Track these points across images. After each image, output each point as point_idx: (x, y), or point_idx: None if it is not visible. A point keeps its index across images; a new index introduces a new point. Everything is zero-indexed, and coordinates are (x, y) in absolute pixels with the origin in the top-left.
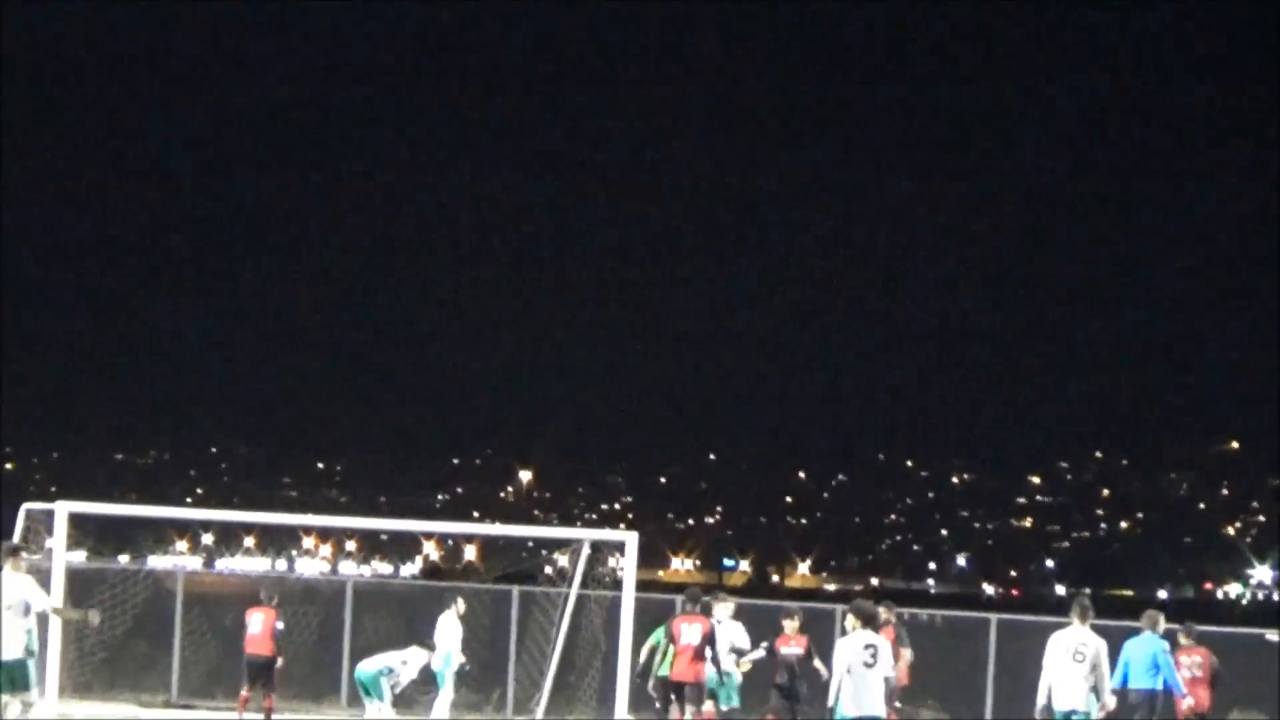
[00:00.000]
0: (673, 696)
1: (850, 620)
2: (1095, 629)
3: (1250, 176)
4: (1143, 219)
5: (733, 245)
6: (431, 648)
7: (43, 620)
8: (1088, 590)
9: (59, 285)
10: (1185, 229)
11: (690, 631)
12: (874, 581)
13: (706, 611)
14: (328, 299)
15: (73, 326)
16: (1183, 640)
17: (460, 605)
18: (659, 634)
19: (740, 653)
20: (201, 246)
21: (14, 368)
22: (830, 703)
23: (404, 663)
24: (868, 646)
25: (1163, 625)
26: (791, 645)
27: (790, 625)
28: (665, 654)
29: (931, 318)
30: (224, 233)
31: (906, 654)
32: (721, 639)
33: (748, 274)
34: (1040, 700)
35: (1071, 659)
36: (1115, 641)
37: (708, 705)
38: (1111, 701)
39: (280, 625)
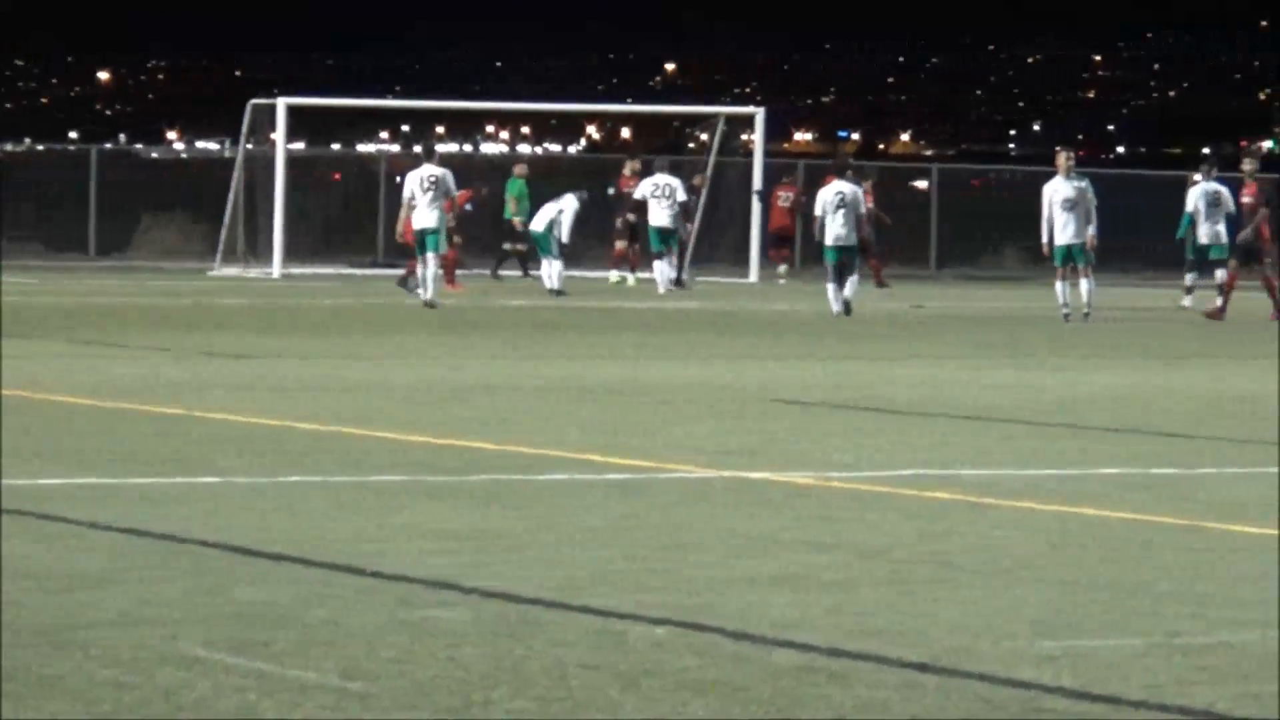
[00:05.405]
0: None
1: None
2: (1142, 178)
3: None
4: None
5: None
6: (583, 199)
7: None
8: (1136, 149)
9: None
10: None
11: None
12: (963, 146)
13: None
14: None
15: None
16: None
17: (584, 194)
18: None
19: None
20: None
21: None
22: (816, 233)
23: (560, 211)
24: (838, 193)
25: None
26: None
27: (630, 167)
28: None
29: None
30: None
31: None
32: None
33: None
34: (1044, 238)
35: (1061, 205)
36: (1180, 191)
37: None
38: (1093, 232)
39: (469, 207)
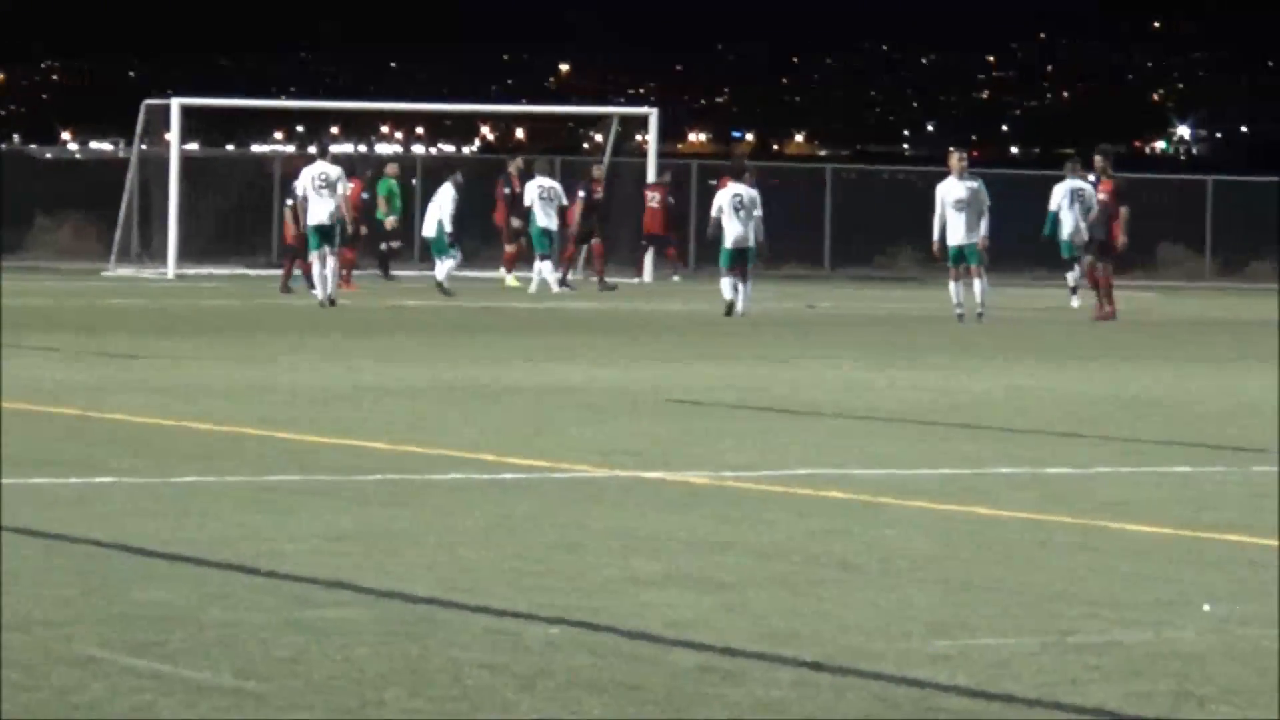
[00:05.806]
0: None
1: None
2: (1034, 178)
3: None
4: None
5: None
6: (459, 183)
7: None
8: (1034, 149)
9: None
10: None
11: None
12: (858, 146)
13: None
14: None
15: None
16: (654, 180)
17: (458, 177)
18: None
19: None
20: None
21: None
22: (710, 233)
23: (441, 206)
24: (735, 195)
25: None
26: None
27: (597, 171)
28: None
29: None
30: None
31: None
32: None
33: None
34: (935, 238)
35: (953, 206)
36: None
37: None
38: (985, 233)
39: (365, 195)
